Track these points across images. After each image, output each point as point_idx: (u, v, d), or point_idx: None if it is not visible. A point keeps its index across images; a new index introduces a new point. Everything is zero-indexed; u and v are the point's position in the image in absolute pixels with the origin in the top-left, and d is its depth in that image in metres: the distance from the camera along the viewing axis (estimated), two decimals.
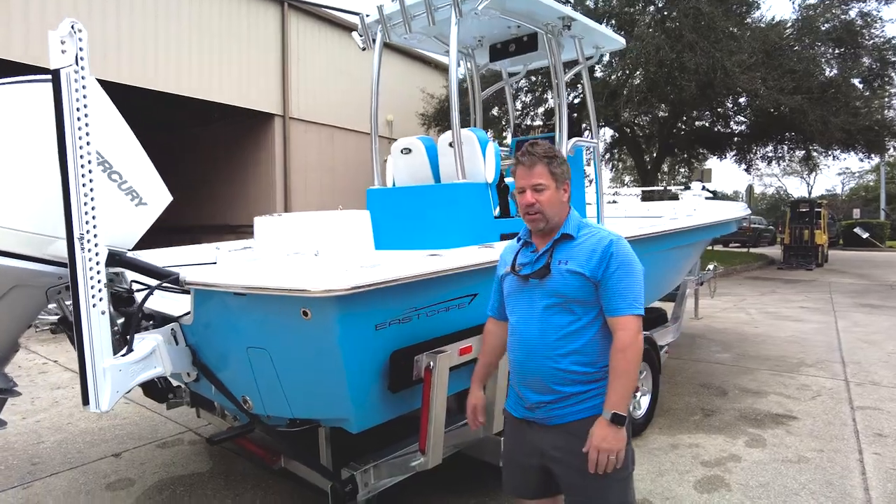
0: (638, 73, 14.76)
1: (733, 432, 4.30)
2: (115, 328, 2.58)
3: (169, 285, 2.56)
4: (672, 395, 5.14)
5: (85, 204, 2.15)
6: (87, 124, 2.16)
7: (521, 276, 2.00)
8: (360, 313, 2.23)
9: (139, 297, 2.61)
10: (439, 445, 2.55)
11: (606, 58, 16.05)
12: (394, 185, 4.60)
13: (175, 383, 3.19)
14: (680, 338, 7.39)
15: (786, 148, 19.85)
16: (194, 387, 3.00)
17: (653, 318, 5.35)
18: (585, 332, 1.91)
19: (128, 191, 2.64)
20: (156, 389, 3.01)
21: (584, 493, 1.93)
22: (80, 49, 2.13)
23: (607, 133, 22.44)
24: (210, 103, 12.61)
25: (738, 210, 6.67)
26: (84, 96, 2.14)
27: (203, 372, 2.68)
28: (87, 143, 2.16)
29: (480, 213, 3.99)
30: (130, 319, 2.53)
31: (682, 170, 25.21)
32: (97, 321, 2.21)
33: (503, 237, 4.04)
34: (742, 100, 16.63)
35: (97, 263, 2.19)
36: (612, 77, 15.39)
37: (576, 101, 17.99)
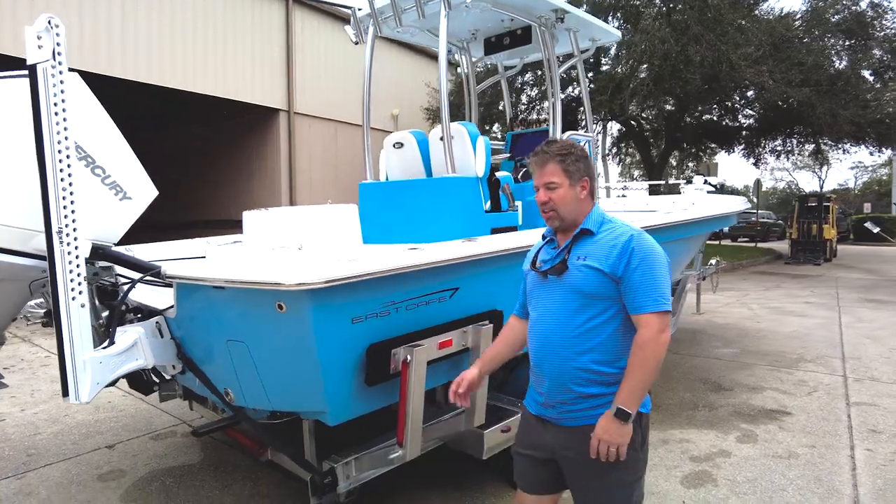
0: (643, 66, 14.63)
1: (725, 428, 4.29)
2: (100, 321, 2.62)
3: (151, 278, 2.59)
4: (666, 391, 5.12)
5: (63, 199, 2.18)
6: (64, 119, 2.18)
7: (540, 273, 2.00)
8: (335, 307, 2.24)
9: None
10: (417, 438, 2.56)
11: (613, 50, 15.97)
12: (387, 179, 4.61)
13: (168, 376, 3.23)
14: (680, 333, 7.38)
15: (795, 142, 19.61)
16: (181, 379, 3.03)
17: None
18: (604, 329, 1.88)
19: (111, 185, 2.66)
20: (141, 381, 3.04)
21: (590, 494, 1.95)
22: (58, 45, 2.15)
23: (614, 127, 22.34)
24: (215, 99, 12.65)
25: (737, 204, 6.61)
26: (62, 91, 2.16)
27: (187, 364, 2.71)
28: (65, 139, 2.18)
29: (470, 206, 3.99)
30: (113, 312, 2.55)
31: (691, 164, 25.03)
32: (77, 314, 2.24)
33: (494, 231, 4.04)
34: (749, 93, 16.44)
35: (76, 257, 2.22)
36: (617, 69, 15.24)
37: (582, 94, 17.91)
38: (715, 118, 19.24)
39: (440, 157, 4.14)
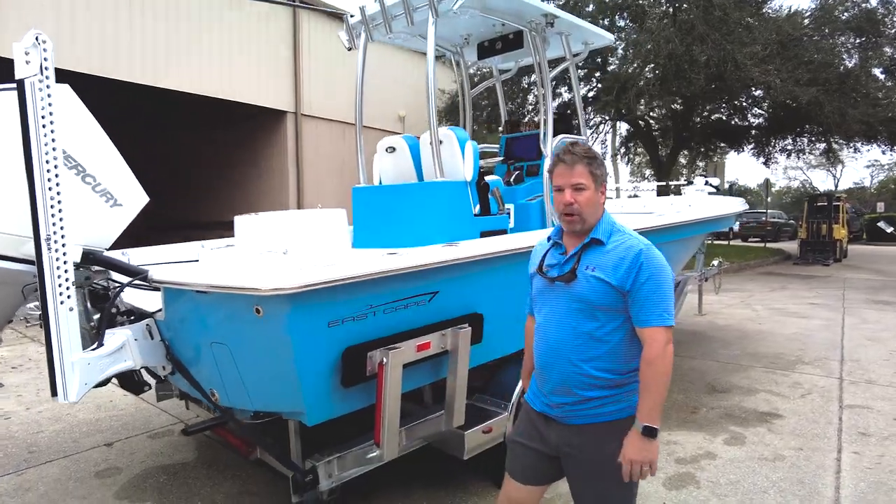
0: (648, 66, 14.58)
1: (714, 430, 4.31)
2: (92, 323, 2.72)
3: (139, 283, 2.69)
4: None
5: (52, 207, 2.27)
6: (52, 131, 2.27)
7: (547, 278, 2.03)
8: (311, 311, 2.31)
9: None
10: (394, 439, 2.63)
11: (620, 50, 15.93)
12: (380, 183, 4.68)
13: (160, 376, 3.33)
14: (680, 334, 7.38)
15: (805, 141, 19.42)
16: (172, 379, 3.13)
17: None
18: (609, 339, 1.92)
19: (102, 193, 2.76)
20: (131, 381, 3.14)
21: (590, 493, 2.00)
22: (45, 59, 2.25)
23: (623, 127, 22.27)
24: (223, 101, 12.82)
25: (735, 205, 6.61)
26: (49, 104, 2.26)
27: (176, 366, 2.80)
28: (53, 150, 2.27)
29: (459, 210, 4.05)
30: (103, 315, 2.65)
31: (701, 163, 24.85)
32: (65, 317, 2.33)
33: (483, 234, 4.09)
34: (757, 92, 16.31)
35: (64, 263, 2.31)
36: (624, 68, 15.20)
37: (590, 94, 17.87)
38: (724, 117, 19.11)
39: (430, 161, 4.20)
